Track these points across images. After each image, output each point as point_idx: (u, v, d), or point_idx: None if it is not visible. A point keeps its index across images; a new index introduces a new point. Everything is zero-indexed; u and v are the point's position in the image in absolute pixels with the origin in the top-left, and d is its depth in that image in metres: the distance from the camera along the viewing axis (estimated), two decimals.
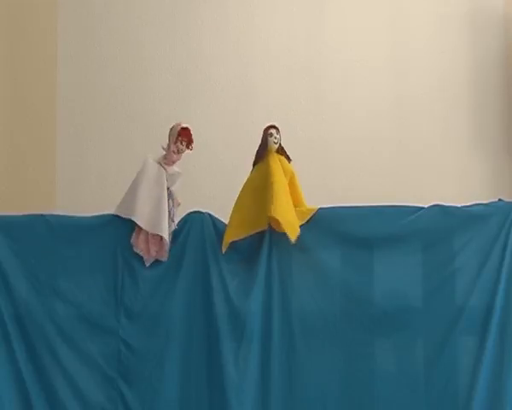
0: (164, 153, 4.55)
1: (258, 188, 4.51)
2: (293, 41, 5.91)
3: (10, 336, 4.35)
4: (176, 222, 4.51)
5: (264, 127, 4.59)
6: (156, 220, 4.43)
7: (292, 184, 4.56)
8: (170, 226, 4.47)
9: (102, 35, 5.78)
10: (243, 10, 5.91)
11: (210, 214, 4.57)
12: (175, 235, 4.52)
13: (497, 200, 4.65)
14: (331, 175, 5.79)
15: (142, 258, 4.48)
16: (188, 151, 4.56)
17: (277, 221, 4.40)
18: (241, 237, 4.48)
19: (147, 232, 4.44)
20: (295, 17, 5.94)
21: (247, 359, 4.39)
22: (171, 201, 4.52)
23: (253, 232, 4.48)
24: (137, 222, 4.43)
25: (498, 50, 6.07)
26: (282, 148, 4.59)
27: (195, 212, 4.58)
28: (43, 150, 5.62)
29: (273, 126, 4.57)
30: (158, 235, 4.43)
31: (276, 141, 4.56)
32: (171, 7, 5.86)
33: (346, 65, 5.95)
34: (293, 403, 4.40)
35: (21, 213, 4.57)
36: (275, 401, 4.39)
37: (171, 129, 4.54)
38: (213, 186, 5.64)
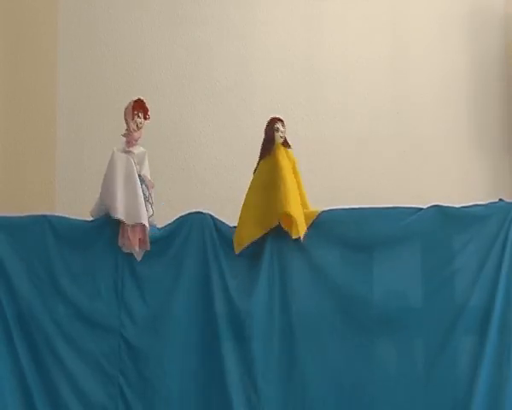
0: (124, 140, 4.54)
1: (267, 184, 4.49)
2: (293, 41, 5.91)
3: (12, 334, 4.37)
4: (153, 204, 4.51)
5: (269, 119, 4.58)
6: (134, 210, 4.44)
7: (295, 173, 4.55)
8: (148, 211, 4.48)
9: (102, 35, 5.77)
10: (243, 10, 5.91)
11: (210, 215, 4.57)
12: (175, 235, 4.54)
13: (497, 200, 4.66)
14: (331, 175, 5.79)
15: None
16: (146, 122, 4.54)
17: (287, 218, 4.39)
18: (257, 237, 4.45)
19: (128, 226, 4.44)
20: (295, 17, 5.93)
21: (247, 358, 4.40)
22: (144, 186, 4.52)
23: (266, 232, 4.45)
24: (119, 217, 4.42)
25: (498, 50, 6.07)
26: (285, 139, 4.60)
27: (196, 212, 4.58)
28: (42, 150, 5.61)
29: (278, 120, 4.57)
30: (139, 224, 4.44)
31: (282, 135, 4.56)
32: (171, 7, 5.85)
33: (346, 65, 5.94)
34: (293, 403, 4.40)
35: (21, 214, 4.58)
36: (275, 400, 4.39)
37: (125, 110, 4.54)
38: (213, 186, 5.64)
